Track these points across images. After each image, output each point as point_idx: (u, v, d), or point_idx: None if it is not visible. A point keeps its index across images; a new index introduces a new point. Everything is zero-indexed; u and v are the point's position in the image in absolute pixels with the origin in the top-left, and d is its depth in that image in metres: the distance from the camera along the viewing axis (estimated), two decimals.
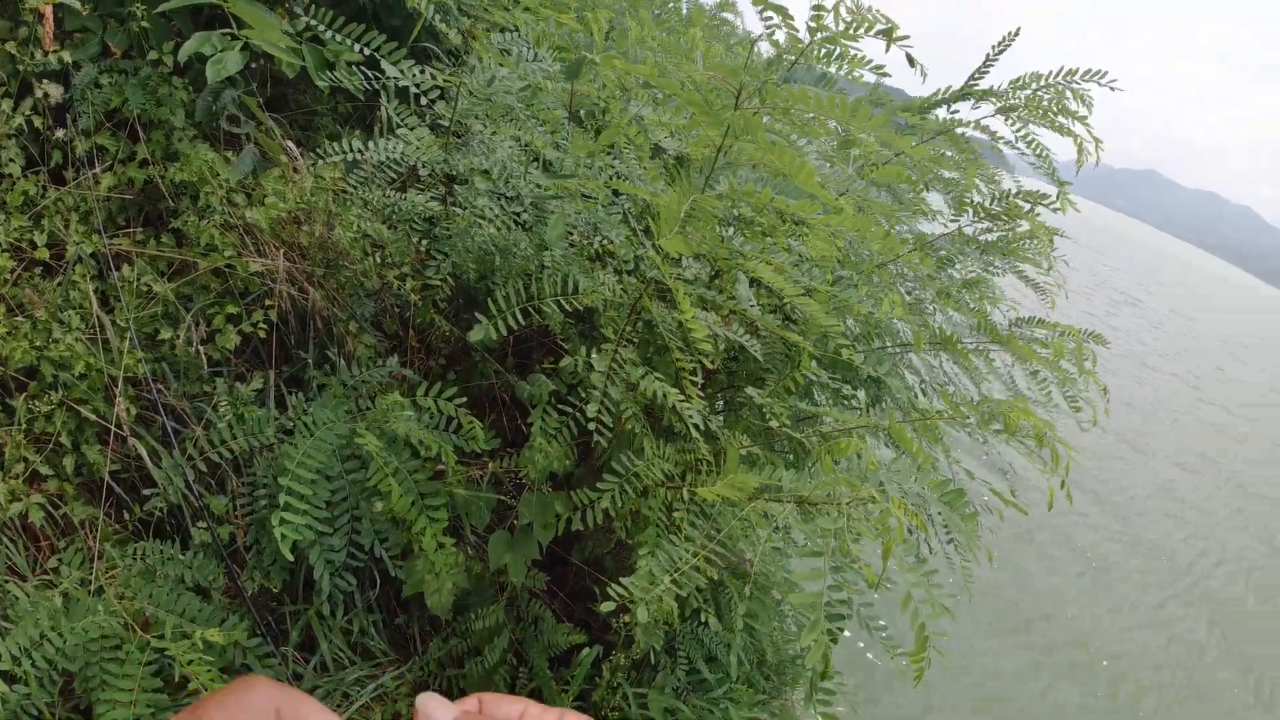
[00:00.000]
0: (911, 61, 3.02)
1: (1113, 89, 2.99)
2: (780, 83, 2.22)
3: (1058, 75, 2.91)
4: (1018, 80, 2.96)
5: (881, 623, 2.14)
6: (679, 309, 2.13)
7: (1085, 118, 2.86)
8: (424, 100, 2.85)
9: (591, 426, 2.34)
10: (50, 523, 2.39)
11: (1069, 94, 2.86)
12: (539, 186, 2.57)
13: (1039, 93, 2.91)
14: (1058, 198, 2.91)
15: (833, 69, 2.67)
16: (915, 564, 1.85)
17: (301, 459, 2.28)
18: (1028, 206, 2.87)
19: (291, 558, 2.24)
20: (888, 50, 2.86)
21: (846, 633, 1.77)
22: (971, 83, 3.14)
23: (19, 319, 2.45)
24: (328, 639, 2.69)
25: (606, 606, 2.08)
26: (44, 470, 2.40)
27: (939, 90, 3.23)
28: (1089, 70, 2.88)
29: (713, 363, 2.57)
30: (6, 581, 2.20)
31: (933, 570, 1.86)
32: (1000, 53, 3.18)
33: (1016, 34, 3.26)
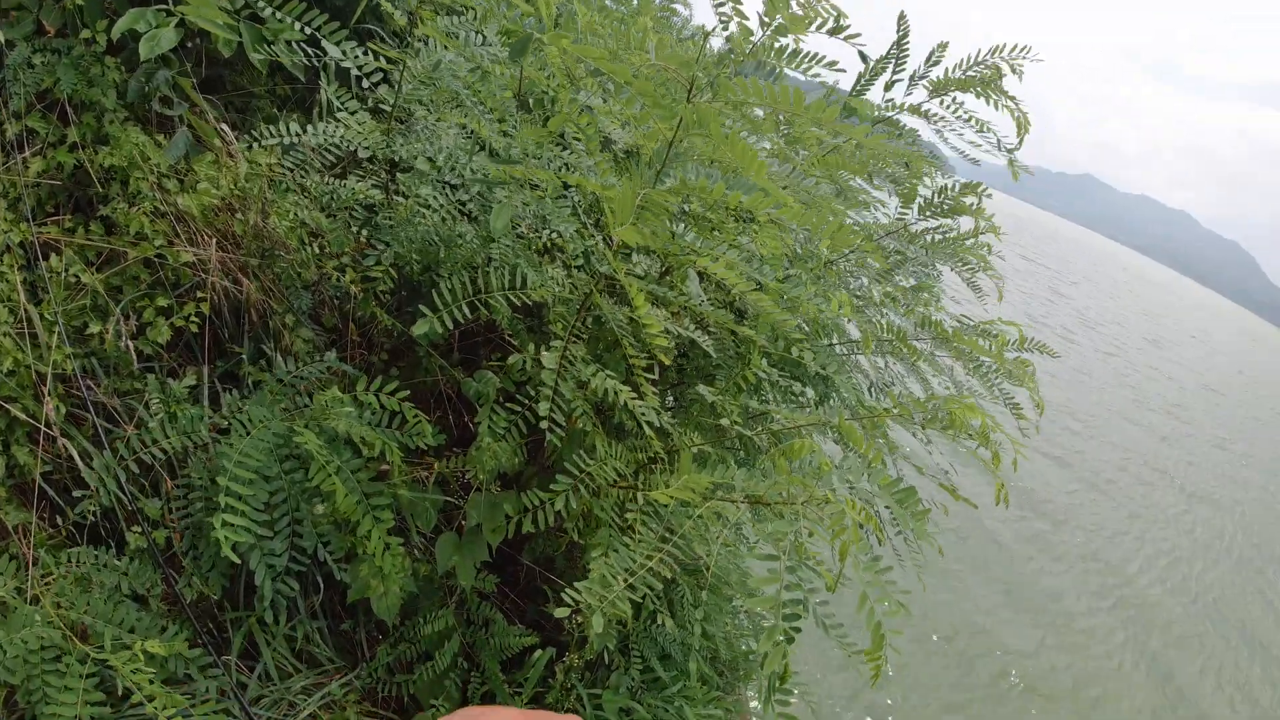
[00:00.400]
0: (864, 58, 3.00)
1: (1032, 61, 2.98)
2: (732, 76, 2.17)
3: (986, 53, 2.90)
4: (945, 77, 2.95)
5: (839, 621, 2.13)
6: (631, 304, 2.08)
7: (1015, 98, 2.86)
8: (366, 84, 2.75)
9: (544, 425, 2.28)
10: None
11: (997, 68, 2.85)
12: (485, 175, 2.50)
13: (969, 72, 2.89)
14: (1009, 168, 2.90)
15: (785, 68, 2.64)
16: (870, 563, 1.84)
17: (239, 459, 2.20)
18: (972, 202, 2.88)
19: (237, 559, 2.16)
20: (835, 38, 2.82)
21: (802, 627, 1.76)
22: (898, 67, 3.10)
23: None
24: (271, 646, 2.60)
25: (560, 611, 2.03)
26: None
27: (867, 67, 3.17)
28: (1016, 46, 2.87)
29: (667, 358, 2.53)
30: None
31: (887, 568, 1.85)
32: (933, 63, 3.16)
33: (945, 46, 3.27)
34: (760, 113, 2.52)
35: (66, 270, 2.53)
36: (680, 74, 1.99)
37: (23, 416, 2.34)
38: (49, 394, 2.40)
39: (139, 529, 2.43)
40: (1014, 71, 2.86)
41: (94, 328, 2.54)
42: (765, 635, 1.80)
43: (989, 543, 9.30)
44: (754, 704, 3.27)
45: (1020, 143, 3.02)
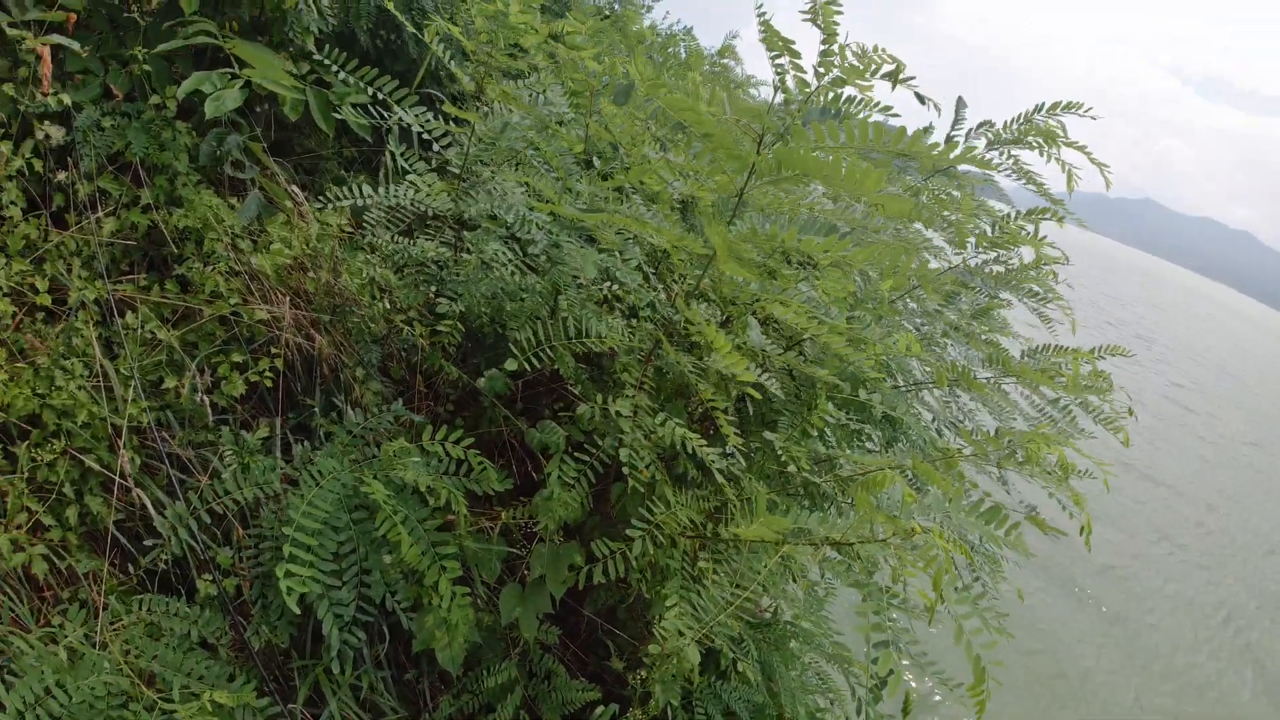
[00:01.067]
0: (921, 99, 3.04)
1: (1094, 119, 3.04)
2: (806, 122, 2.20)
3: (1040, 111, 2.95)
4: (989, 124, 3.01)
5: (932, 659, 2.05)
6: (704, 349, 2.08)
7: (1085, 146, 2.90)
8: (435, 146, 2.82)
9: (626, 471, 2.27)
10: (54, 574, 2.27)
11: (1054, 125, 2.90)
12: (562, 223, 2.53)
13: (1023, 125, 2.94)
14: (1052, 214, 2.92)
15: (842, 110, 2.68)
16: (962, 591, 1.77)
17: (306, 509, 2.19)
18: (1028, 230, 2.87)
19: (298, 611, 2.14)
20: (894, 89, 2.87)
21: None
22: (955, 125, 3.17)
23: (20, 365, 2.34)
24: (336, 696, 2.55)
25: (617, 664, 1.99)
26: (47, 520, 2.28)
27: (925, 127, 3.25)
28: (1068, 103, 2.93)
29: (736, 402, 2.51)
30: (10, 634, 2.07)
31: (981, 595, 1.78)
32: (956, 122, 3.24)
33: (963, 104, 3.35)
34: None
35: (142, 326, 2.57)
36: (752, 124, 2.02)
37: (96, 467, 2.36)
38: (124, 445, 2.42)
39: (210, 577, 2.43)
40: (1063, 132, 2.90)
41: (169, 382, 2.58)
42: (890, 684, 1.70)
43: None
44: None
45: (1070, 192, 3.03)
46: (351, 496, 2.46)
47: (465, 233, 2.89)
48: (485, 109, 2.82)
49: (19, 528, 2.21)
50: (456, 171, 2.80)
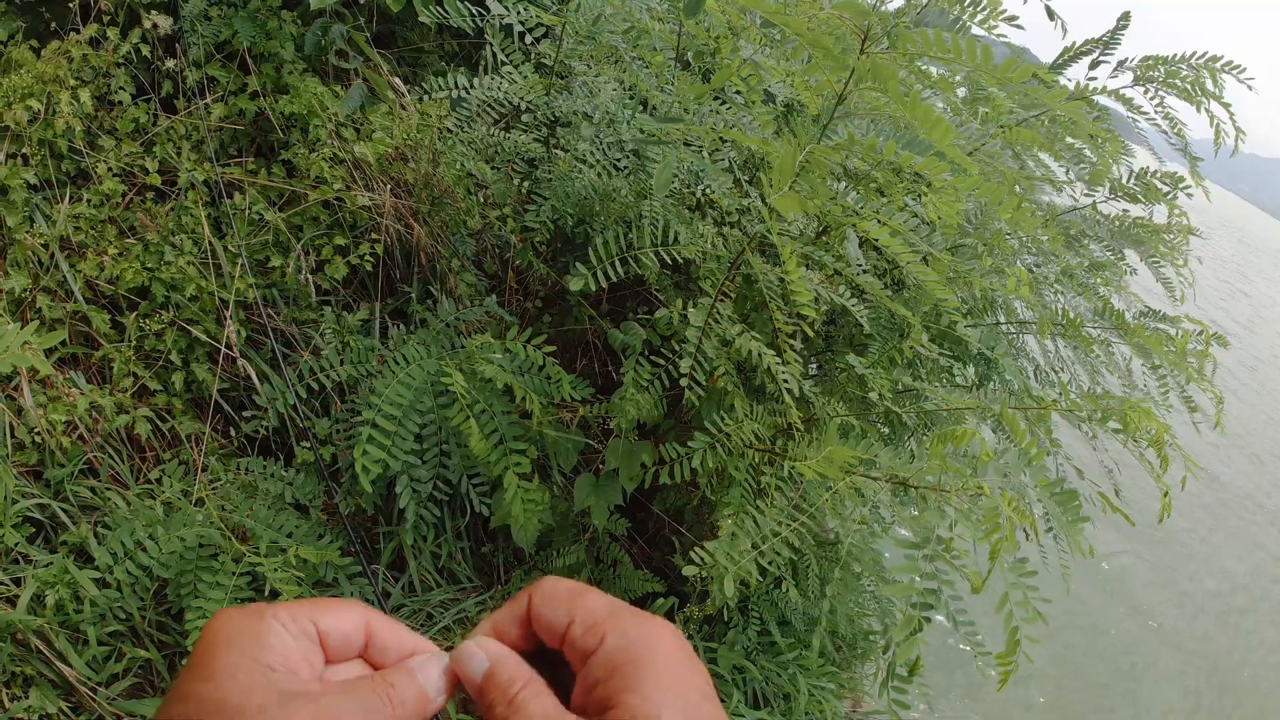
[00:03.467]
0: (1051, 14, 2.58)
1: (1249, 87, 2.55)
2: (910, 27, 1.86)
3: (1197, 57, 2.46)
4: (1153, 58, 2.53)
5: (970, 619, 1.86)
6: (783, 266, 1.85)
7: (1224, 100, 2.42)
8: (529, 39, 2.58)
9: (684, 383, 2.10)
10: (157, 436, 2.32)
11: (1206, 75, 2.41)
12: (641, 131, 2.29)
13: (1176, 67, 2.47)
14: (1190, 175, 2.48)
15: (965, 17, 2.28)
16: (1016, 564, 1.57)
17: (389, 395, 2.13)
18: (1166, 190, 2.44)
19: (370, 490, 2.11)
20: (1026, 0, 2.43)
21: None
22: (1108, 49, 2.68)
23: (130, 241, 2.34)
24: (417, 561, 2.59)
25: (689, 570, 1.87)
26: (153, 385, 2.32)
27: (1074, 45, 2.77)
28: (1228, 61, 2.43)
29: (812, 325, 2.28)
30: (108, 490, 2.14)
31: (1032, 572, 1.58)
32: (1122, 28, 2.73)
33: (1128, 16, 2.83)
34: (934, 71, 2.18)
35: (250, 208, 2.53)
36: (855, 24, 1.70)
37: (204, 338, 2.37)
38: (230, 319, 2.42)
39: (307, 444, 2.44)
40: (1218, 87, 2.41)
41: (275, 261, 2.54)
42: (900, 625, 1.58)
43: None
44: (867, 683, 3.03)
45: (1217, 149, 2.55)
46: (437, 383, 2.40)
47: (559, 129, 2.67)
48: (580, 2, 2.55)
49: (124, 391, 2.24)
50: (550, 65, 2.57)
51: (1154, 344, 2.00)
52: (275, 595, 2.10)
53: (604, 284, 2.10)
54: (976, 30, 2.31)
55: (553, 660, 0.45)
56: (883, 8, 2.70)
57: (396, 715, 0.41)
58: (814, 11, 1.81)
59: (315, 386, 2.47)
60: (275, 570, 2.07)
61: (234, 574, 2.07)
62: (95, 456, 2.22)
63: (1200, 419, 2.47)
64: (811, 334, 2.08)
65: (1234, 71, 2.46)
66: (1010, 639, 1.52)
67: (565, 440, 2.62)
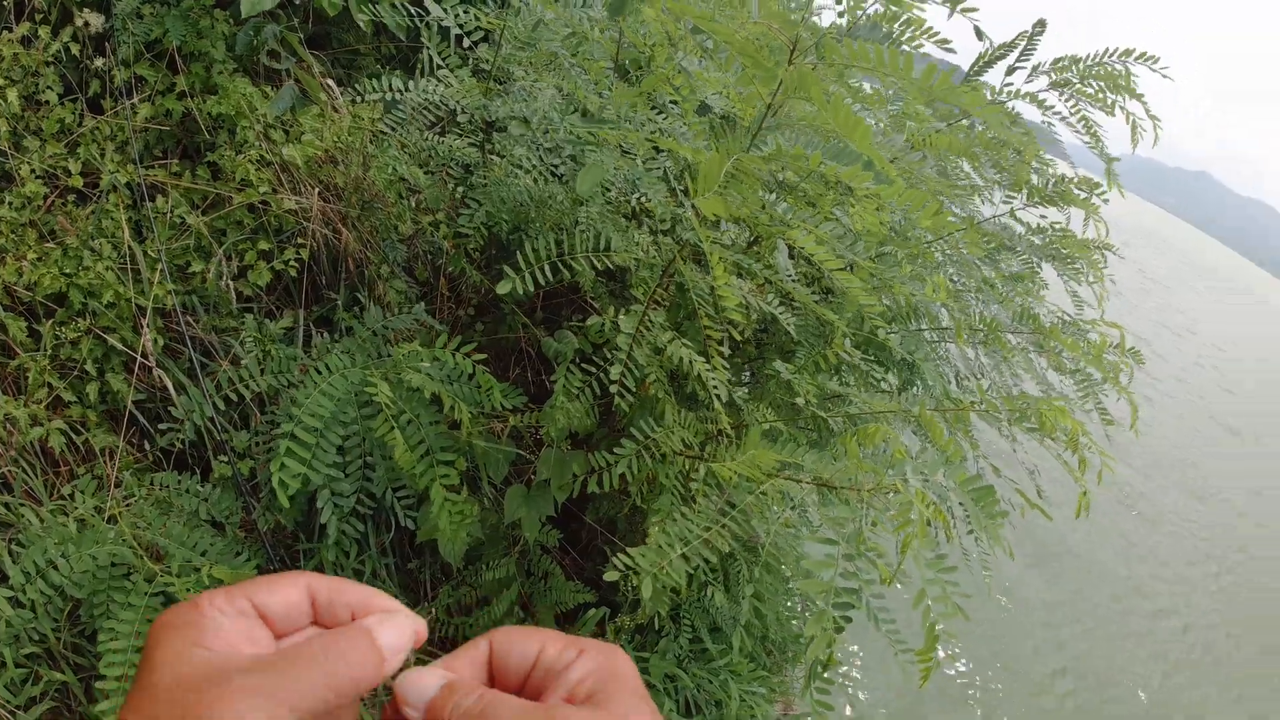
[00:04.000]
0: (980, 34, 2.69)
1: (1163, 75, 2.68)
2: (839, 39, 1.93)
3: (1111, 55, 2.59)
4: (1066, 58, 2.65)
5: (891, 617, 1.92)
6: (712, 275, 1.88)
7: (1142, 96, 2.55)
8: (466, 43, 2.60)
9: (613, 390, 2.12)
10: (70, 449, 2.24)
11: (1122, 71, 2.54)
12: (576, 136, 2.32)
13: (1093, 68, 2.59)
14: (1105, 177, 2.60)
15: (895, 34, 2.36)
16: (934, 560, 1.62)
17: (310, 406, 2.10)
18: (1083, 194, 2.56)
19: (287, 505, 2.07)
20: (950, 16, 2.53)
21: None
22: (1024, 55, 2.81)
23: (50, 245, 2.27)
24: None
25: (610, 575, 1.88)
26: (67, 396, 2.24)
27: (988, 51, 2.88)
28: (1142, 53, 2.56)
29: (743, 333, 2.33)
30: (21, 505, 2.05)
31: (951, 568, 1.63)
32: (1038, 34, 2.86)
33: (1044, 23, 2.97)
34: (868, 88, 2.26)
35: (172, 211, 2.47)
36: (784, 34, 1.76)
37: (120, 346, 2.30)
38: (148, 327, 2.35)
39: (225, 458, 2.38)
40: (1130, 85, 2.54)
41: (196, 267, 2.49)
42: (812, 620, 1.61)
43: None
44: (798, 686, 3.08)
45: (1134, 146, 2.69)
46: (361, 393, 2.37)
47: (495, 134, 2.69)
48: (520, 5, 2.57)
49: (39, 403, 2.17)
50: (488, 70, 2.58)
51: (1071, 347, 2.10)
52: None
53: (533, 289, 2.11)
54: (908, 49, 2.41)
55: None
56: (813, 19, 2.79)
57: (350, 676, 0.40)
58: (744, 20, 1.86)
59: (234, 398, 2.41)
60: (188, 590, 2.02)
61: (147, 594, 2.00)
62: (9, 471, 2.14)
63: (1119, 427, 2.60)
64: (739, 340, 2.12)
65: (1148, 62, 2.57)
66: (929, 635, 1.56)
67: (495, 451, 2.61)
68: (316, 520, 2.51)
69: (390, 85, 2.54)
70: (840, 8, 2.04)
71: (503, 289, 2.14)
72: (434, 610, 2.62)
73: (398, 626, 0.43)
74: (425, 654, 2.63)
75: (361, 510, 2.29)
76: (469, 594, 2.63)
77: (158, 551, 2.11)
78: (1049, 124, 2.74)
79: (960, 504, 1.86)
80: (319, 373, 2.23)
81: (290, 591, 0.44)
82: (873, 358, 2.24)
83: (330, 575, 0.46)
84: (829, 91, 1.78)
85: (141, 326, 2.34)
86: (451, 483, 2.19)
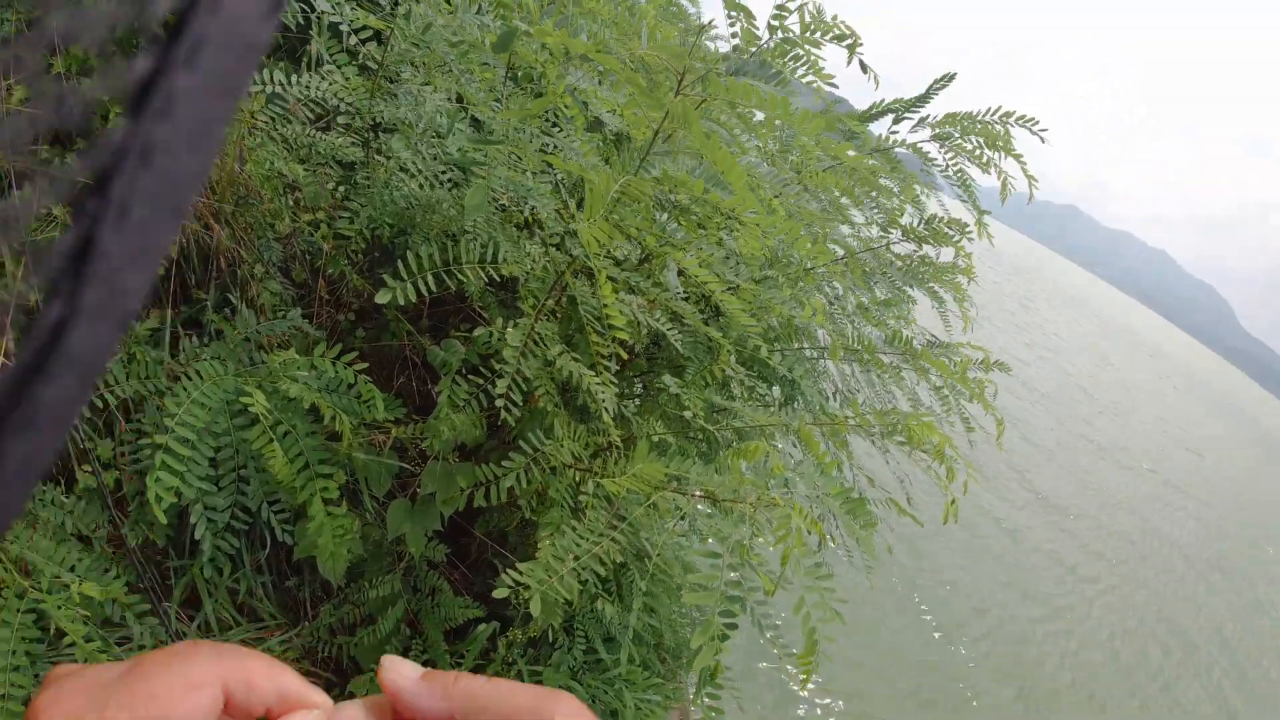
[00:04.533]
0: (864, 68, 2.85)
1: (1042, 139, 2.93)
2: (728, 74, 2.02)
3: (992, 114, 2.82)
4: (952, 116, 2.88)
5: (777, 623, 2.03)
6: (599, 294, 1.94)
7: (1020, 155, 2.78)
8: (355, 40, 2.56)
9: (500, 404, 2.14)
10: None
11: (1001, 131, 2.77)
12: (461, 151, 2.33)
13: (974, 124, 2.81)
14: (975, 225, 2.83)
15: (788, 70, 2.48)
16: (812, 568, 1.74)
17: (183, 416, 2.03)
18: (953, 234, 2.77)
19: (164, 520, 2.00)
20: (849, 62, 2.67)
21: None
22: (916, 104, 3.01)
23: None
24: (213, 598, 2.45)
25: (500, 592, 1.91)
26: None
27: (882, 101, 3.08)
28: (1022, 116, 2.80)
29: (632, 350, 2.39)
30: None
31: (828, 575, 1.75)
32: (939, 88, 3.08)
33: (952, 77, 3.20)
34: (761, 116, 2.37)
35: (38, 202, 2.32)
36: (672, 65, 1.83)
37: None
38: (10, 325, 2.21)
39: (89, 469, 2.27)
40: (1007, 145, 2.77)
41: None
42: (699, 631, 1.70)
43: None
44: (692, 691, 3.17)
45: (1003, 202, 2.92)
46: (234, 402, 2.30)
47: (382, 135, 2.65)
48: (410, 7, 2.55)
49: None
50: (375, 68, 2.55)
51: (939, 366, 2.27)
52: (63, 635, 1.97)
53: (416, 299, 2.11)
54: (802, 88, 2.53)
55: None
56: (710, 44, 2.89)
57: None
58: (634, 48, 1.92)
59: (98, 403, 2.29)
60: (59, 608, 1.93)
61: (19, 611, 1.92)
62: None
63: (982, 437, 2.83)
64: (625, 356, 2.19)
65: (1027, 124, 2.82)
66: (808, 639, 1.67)
67: (377, 464, 2.58)
68: (189, 536, 2.42)
69: (271, 77, 2.48)
70: (736, 41, 2.13)
71: (382, 298, 2.13)
72: (317, 630, 2.57)
73: None
74: (310, 674, 2.58)
75: (236, 525, 2.23)
76: (352, 612, 2.59)
77: (26, 566, 2.00)
78: (928, 173, 2.95)
79: (837, 513, 1.99)
80: (190, 380, 2.15)
81: (200, 699, 0.40)
82: (757, 374, 2.35)
83: (237, 653, 0.42)
84: (721, 124, 1.87)
85: (4, 325, 2.20)
86: (331, 496, 2.17)
